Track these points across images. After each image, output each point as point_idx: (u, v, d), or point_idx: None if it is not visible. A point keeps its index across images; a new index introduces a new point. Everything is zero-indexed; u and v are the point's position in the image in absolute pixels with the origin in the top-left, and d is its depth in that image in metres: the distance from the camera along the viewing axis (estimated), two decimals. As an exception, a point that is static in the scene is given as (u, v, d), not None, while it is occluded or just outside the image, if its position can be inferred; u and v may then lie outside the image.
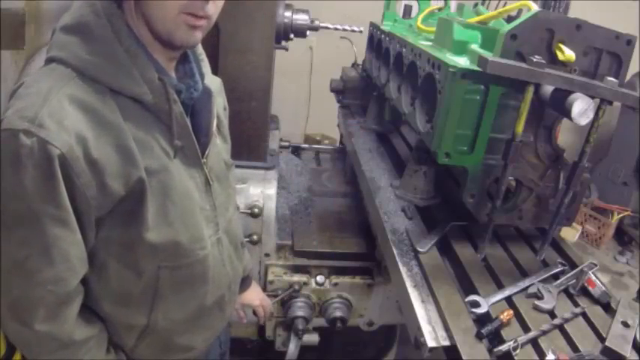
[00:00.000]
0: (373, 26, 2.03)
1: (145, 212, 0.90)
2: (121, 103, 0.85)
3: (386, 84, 1.72)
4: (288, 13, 1.77)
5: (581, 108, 1.01)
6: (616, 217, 2.43)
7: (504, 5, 1.64)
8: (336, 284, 1.80)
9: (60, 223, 0.83)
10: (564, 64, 1.09)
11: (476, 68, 1.07)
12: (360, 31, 2.00)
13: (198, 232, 1.02)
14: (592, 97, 1.02)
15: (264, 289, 1.80)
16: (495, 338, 1.03)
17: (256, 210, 1.70)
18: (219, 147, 1.12)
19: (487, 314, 1.07)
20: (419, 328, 1.07)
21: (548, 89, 1.08)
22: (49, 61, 0.85)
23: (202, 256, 1.04)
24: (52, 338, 0.91)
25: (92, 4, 0.84)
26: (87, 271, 0.93)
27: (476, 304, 1.08)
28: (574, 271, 1.20)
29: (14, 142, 0.77)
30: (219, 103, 1.13)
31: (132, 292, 1.00)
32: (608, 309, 1.14)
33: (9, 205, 0.81)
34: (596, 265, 1.20)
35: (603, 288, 1.15)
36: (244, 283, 1.47)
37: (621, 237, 2.52)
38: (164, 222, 0.94)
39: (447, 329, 1.05)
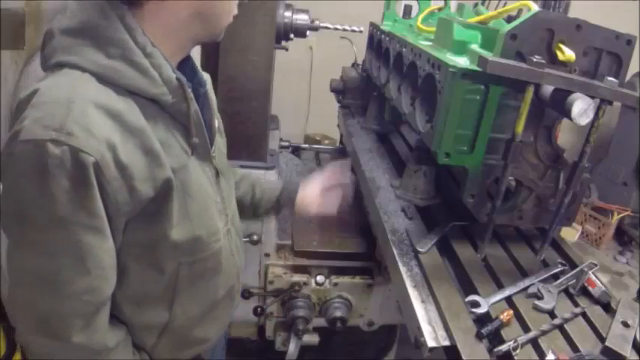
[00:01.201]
0: (373, 26, 2.03)
1: (171, 211, 0.90)
2: (139, 104, 0.84)
3: (386, 84, 1.72)
4: (288, 13, 1.77)
5: (581, 108, 1.00)
6: (616, 217, 2.42)
7: (504, 5, 1.64)
8: (336, 284, 1.80)
9: (94, 231, 0.81)
10: (564, 64, 1.09)
11: (476, 68, 1.07)
12: (360, 31, 2.00)
13: (214, 226, 1.03)
14: (592, 97, 1.02)
15: (265, 289, 1.80)
16: (495, 338, 1.03)
17: (256, 210, 1.70)
18: (220, 141, 1.14)
19: (487, 314, 1.07)
20: (419, 328, 1.07)
21: (548, 89, 1.08)
22: (58, 66, 0.82)
23: (217, 249, 1.05)
24: (88, 348, 0.89)
25: (98, 4, 0.82)
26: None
27: (476, 304, 1.09)
28: (574, 271, 1.20)
29: (39, 152, 0.74)
30: (212, 98, 1.14)
31: (152, 292, 1.00)
32: (608, 309, 1.14)
33: (36, 218, 0.79)
34: (596, 265, 1.20)
35: (603, 288, 1.15)
36: (288, 200, 1.42)
37: (621, 237, 2.52)
38: (186, 218, 0.95)
39: (447, 329, 1.05)
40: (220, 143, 1.15)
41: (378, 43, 1.90)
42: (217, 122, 1.14)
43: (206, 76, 1.11)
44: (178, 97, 0.88)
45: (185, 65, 1.01)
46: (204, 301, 1.09)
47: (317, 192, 1.44)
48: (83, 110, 0.76)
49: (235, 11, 0.95)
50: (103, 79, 0.81)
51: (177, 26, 0.88)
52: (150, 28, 0.85)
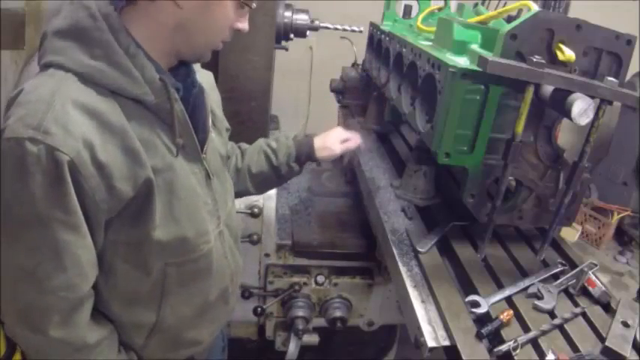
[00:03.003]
0: (373, 26, 2.03)
1: (153, 211, 0.91)
2: (123, 105, 0.86)
3: (386, 84, 1.72)
4: (288, 13, 1.77)
5: (581, 108, 1.01)
6: (616, 217, 2.42)
7: (504, 5, 1.64)
8: (336, 284, 1.80)
9: (70, 228, 0.83)
10: (564, 64, 1.09)
11: (476, 68, 1.07)
12: (360, 31, 2.00)
13: (203, 227, 1.03)
14: (592, 97, 1.02)
15: (264, 289, 1.80)
16: (495, 338, 1.03)
17: (256, 210, 1.70)
18: (215, 141, 1.13)
19: (487, 314, 1.07)
20: (419, 328, 1.07)
21: (548, 89, 1.08)
22: (46, 66, 0.84)
23: (207, 250, 1.05)
24: (66, 343, 0.90)
25: (86, 6, 0.83)
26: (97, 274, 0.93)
27: (476, 304, 1.09)
28: (574, 271, 1.20)
29: (19, 150, 0.77)
30: (213, 98, 1.14)
31: (140, 292, 1.00)
32: (608, 309, 1.14)
33: (17, 214, 0.81)
34: (596, 265, 1.20)
35: (603, 288, 1.15)
36: (307, 144, 1.38)
37: (621, 237, 2.52)
38: (171, 219, 0.95)
39: (447, 329, 1.05)
40: (217, 143, 1.14)
41: (378, 43, 1.90)
42: (214, 121, 1.13)
43: (207, 75, 1.11)
44: (162, 97, 0.89)
45: (179, 66, 1.01)
46: (195, 302, 1.09)
47: (338, 137, 1.42)
48: (62, 109, 0.78)
49: (226, 37, 0.97)
50: (86, 79, 0.83)
51: (162, 32, 0.89)
52: (137, 28, 0.87)
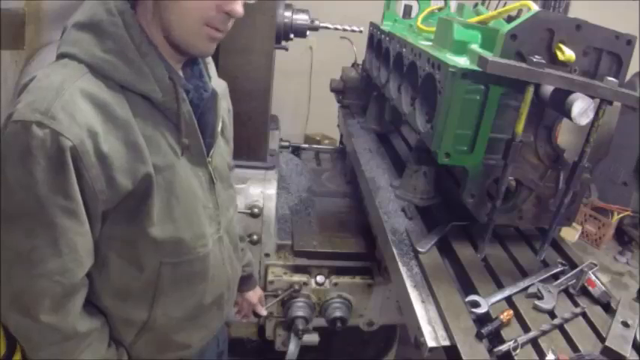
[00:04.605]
0: (373, 26, 2.03)
1: (151, 208, 0.92)
2: (131, 100, 0.87)
3: (386, 84, 1.72)
4: (288, 13, 1.77)
5: (581, 108, 1.01)
6: (616, 217, 2.42)
7: (504, 5, 1.64)
8: (336, 284, 1.80)
9: (69, 214, 0.84)
10: (564, 64, 1.09)
11: (476, 68, 1.07)
12: (360, 31, 2.00)
13: (200, 230, 1.03)
14: (592, 97, 1.02)
15: (264, 289, 1.80)
16: (495, 338, 1.03)
17: (256, 210, 1.70)
18: (222, 148, 1.14)
19: (487, 314, 1.07)
20: (419, 328, 1.07)
21: (548, 89, 1.08)
22: (61, 56, 0.86)
23: (204, 254, 1.05)
24: (56, 330, 0.91)
25: (105, 2, 0.85)
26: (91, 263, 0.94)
27: (476, 304, 1.09)
28: (574, 271, 1.20)
29: (25, 133, 0.78)
30: (224, 106, 1.14)
31: (132, 288, 1.00)
32: (608, 309, 1.14)
33: (16, 197, 0.82)
34: (596, 265, 1.20)
35: (603, 288, 1.15)
36: (249, 282, 1.49)
37: (621, 237, 2.52)
38: (168, 218, 0.95)
39: (447, 329, 1.05)
40: (224, 151, 1.15)
41: (378, 43, 1.90)
42: (223, 128, 1.14)
43: (220, 83, 1.12)
44: (169, 95, 0.90)
45: (193, 69, 1.02)
46: (187, 305, 1.09)
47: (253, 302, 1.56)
48: (71, 98, 0.80)
49: (211, 18, 0.88)
50: (97, 71, 0.84)
51: (153, 27, 0.89)
52: (145, 27, 0.89)
